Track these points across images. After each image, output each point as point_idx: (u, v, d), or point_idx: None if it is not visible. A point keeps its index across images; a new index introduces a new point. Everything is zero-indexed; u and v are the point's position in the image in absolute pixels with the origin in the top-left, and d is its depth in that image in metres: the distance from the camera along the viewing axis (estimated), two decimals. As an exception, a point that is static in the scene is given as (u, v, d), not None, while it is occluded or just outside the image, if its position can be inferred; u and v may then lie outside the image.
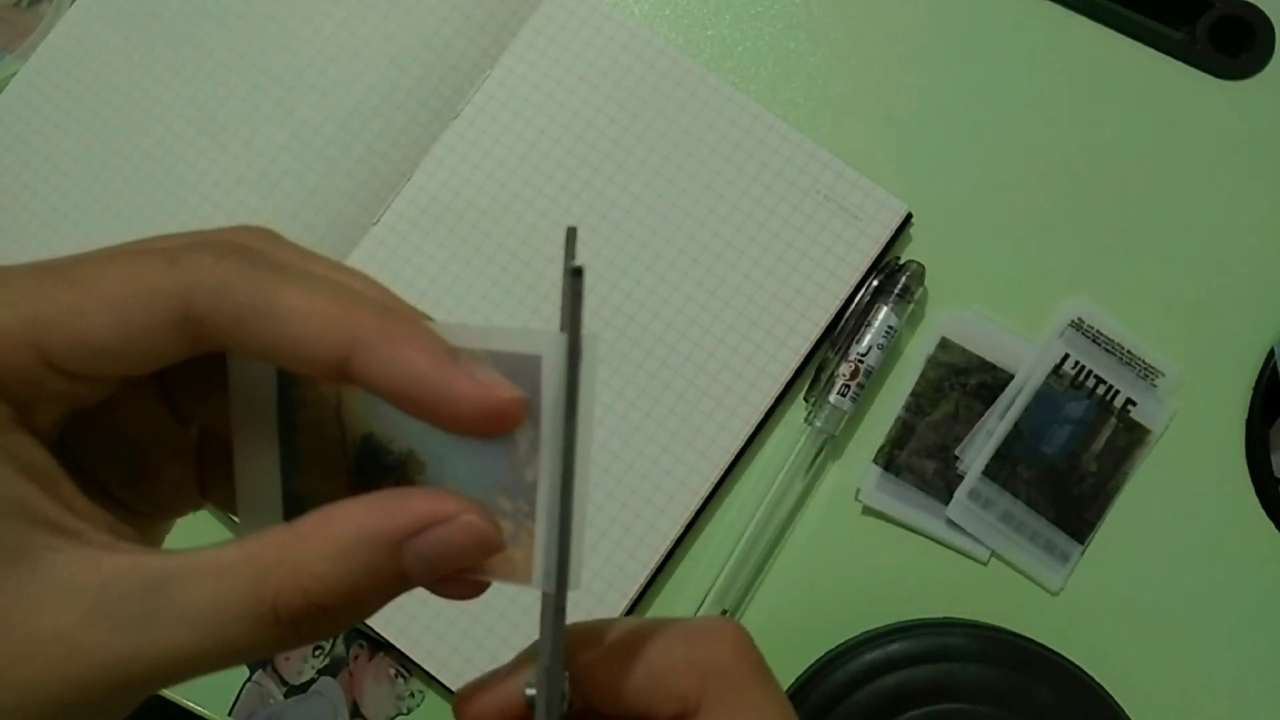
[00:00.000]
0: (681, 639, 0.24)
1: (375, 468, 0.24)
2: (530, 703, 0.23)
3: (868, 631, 0.46)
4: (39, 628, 0.20)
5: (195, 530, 0.48)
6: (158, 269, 0.22)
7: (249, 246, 0.23)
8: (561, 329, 0.22)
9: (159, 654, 0.21)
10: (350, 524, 0.21)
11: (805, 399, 0.48)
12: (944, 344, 0.48)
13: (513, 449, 0.23)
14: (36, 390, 0.22)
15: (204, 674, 0.22)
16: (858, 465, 0.48)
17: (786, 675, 0.46)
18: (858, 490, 0.47)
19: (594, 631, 0.25)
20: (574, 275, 0.21)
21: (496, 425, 0.22)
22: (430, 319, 0.24)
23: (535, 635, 0.23)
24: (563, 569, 0.22)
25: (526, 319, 0.47)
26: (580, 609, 0.45)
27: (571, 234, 0.22)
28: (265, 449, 0.24)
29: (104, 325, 0.22)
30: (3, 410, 0.22)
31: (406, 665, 0.47)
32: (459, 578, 0.23)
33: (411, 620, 0.45)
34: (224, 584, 0.21)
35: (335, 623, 0.22)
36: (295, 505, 0.24)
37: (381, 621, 0.45)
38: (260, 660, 0.47)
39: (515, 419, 0.22)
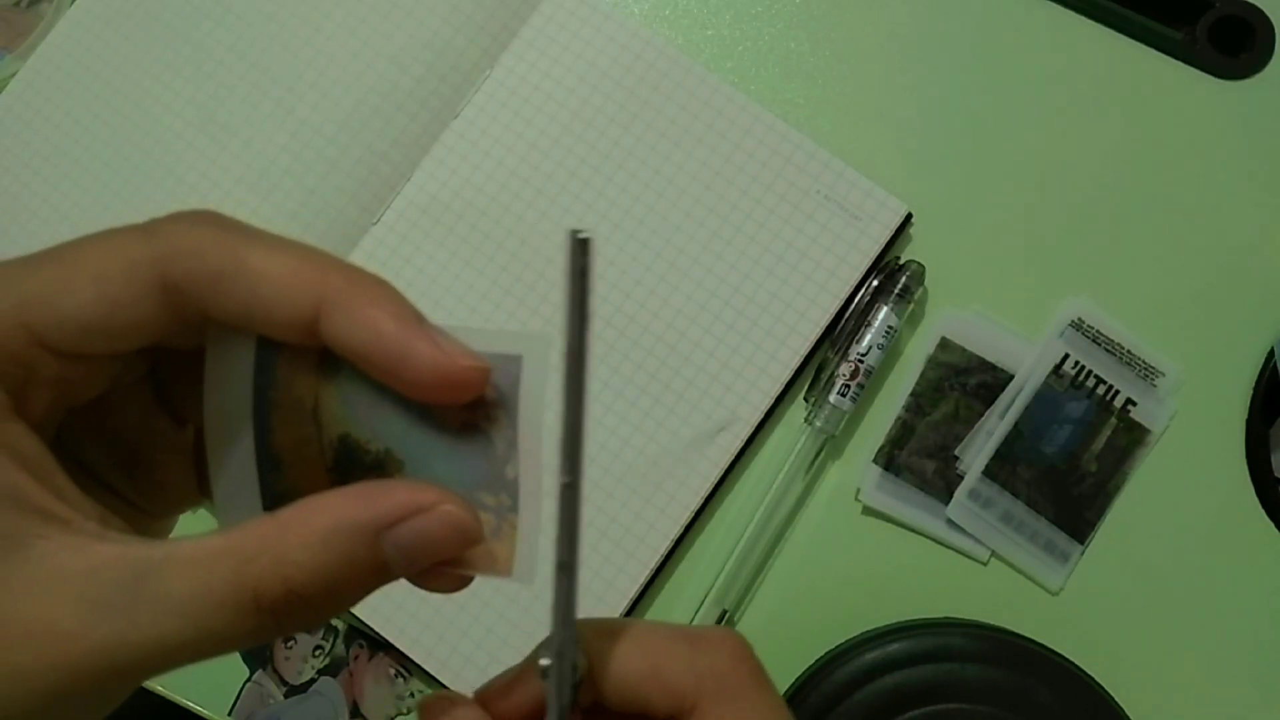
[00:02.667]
0: (685, 640, 0.25)
1: (353, 466, 0.24)
2: (544, 673, 0.23)
3: (868, 631, 0.46)
4: (28, 615, 0.21)
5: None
6: (135, 240, 0.23)
7: (219, 215, 0.23)
8: (565, 325, 0.22)
9: (144, 642, 0.21)
10: (330, 514, 0.22)
11: (805, 399, 0.48)
12: (944, 344, 0.48)
13: (490, 447, 0.23)
14: (30, 374, 0.22)
15: (189, 663, 0.22)
16: (858, 465, 0.48)
17: (786, 675, 0.46)
18: (858, 490, 0.47)
19: (605, 622, 0.25)
20: (578, 245, 0.21)
21: (456, 393, 0.22)
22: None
23: (534, 635, 0.23)
24: (573, 533, 0.22)
25: (526, 319, 0.47)
26: (580, 609, 0.45)
27: (579, 242, 0.22)
28: (241, 448, 0.25)
29: (88, 299, 0.22)
30: None
31: (406, 665, 0.47)
32: (441, 571, 0.23)
33: (411, 620, 0.45)
34: (206, 573, 0.21)
35: (316, 612, 0.22)
36: (274, 502, 0.25)
37: (381, 621, 0.45)
38: (260, 660, 0.47)
39: (475, 388, 0.22)
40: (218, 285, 0.22)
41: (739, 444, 0.46)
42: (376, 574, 0.22)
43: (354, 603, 0.23)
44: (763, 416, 0.46)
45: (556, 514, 0.23)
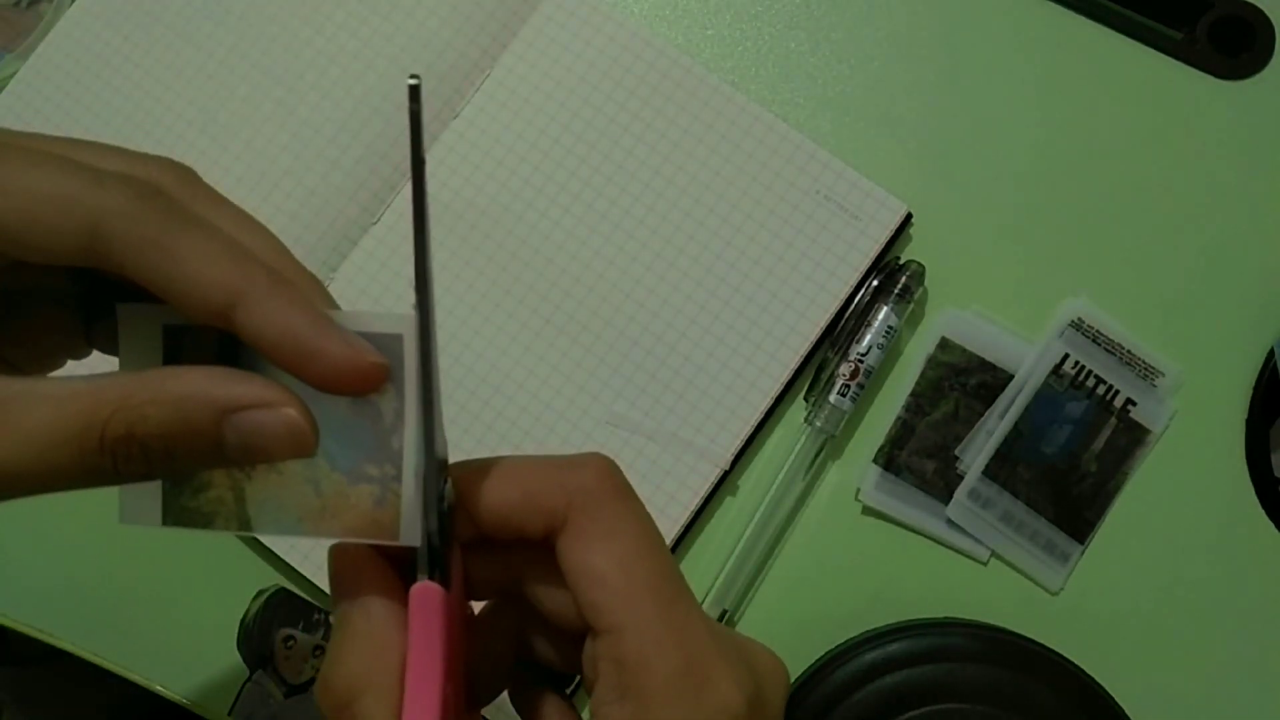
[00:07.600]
0: (553, 465, 0.27)
1: None
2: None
3: (868, 631, 0.46)
4: None
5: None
6: (84, 185, 0.24)
7: (169, 192, 0.25)
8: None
9: None
10: (188, 384, 0.24)
11: (805, 399, 0.48)
12: (944, 344, 0.48)
13: (379, 419, 0.25)
14: None
15: (27, 494, 0.23)
16: (858, 465, 0.48)
17: (786, 675, 0.46)
18: (858, 490, 0.47)
19: (477, 461, 0.27)
20: (411, 94, 0.23)
21: (360, 385, 0.24)
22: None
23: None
24: (429, 370, 0.24)
25: (526, 318, 0.47)
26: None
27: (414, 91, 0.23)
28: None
29: (15, 212, 0.23)
30: None
31: (406, 665, 0.47)
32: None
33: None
34: (61, 408, 0.23)
35: (150, 467, 0.24)
36: None
37: (381, 621, 0.45)
38: (260, 660, 0.47)
39: (378, 381, 0.24)
40: (145, 254, 0.23)
41: (739, 444, 0.46)
42: (212, 449, 0.24)
43: (185, 472, 0.25)
44: (763, 416, 0.46)
45: (410, 508, 0.25)
